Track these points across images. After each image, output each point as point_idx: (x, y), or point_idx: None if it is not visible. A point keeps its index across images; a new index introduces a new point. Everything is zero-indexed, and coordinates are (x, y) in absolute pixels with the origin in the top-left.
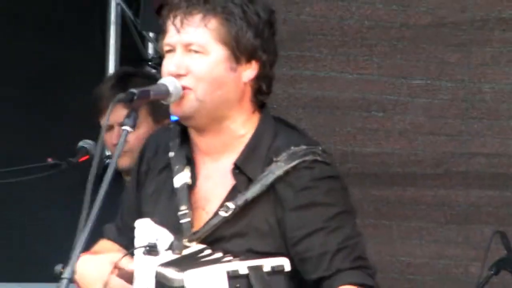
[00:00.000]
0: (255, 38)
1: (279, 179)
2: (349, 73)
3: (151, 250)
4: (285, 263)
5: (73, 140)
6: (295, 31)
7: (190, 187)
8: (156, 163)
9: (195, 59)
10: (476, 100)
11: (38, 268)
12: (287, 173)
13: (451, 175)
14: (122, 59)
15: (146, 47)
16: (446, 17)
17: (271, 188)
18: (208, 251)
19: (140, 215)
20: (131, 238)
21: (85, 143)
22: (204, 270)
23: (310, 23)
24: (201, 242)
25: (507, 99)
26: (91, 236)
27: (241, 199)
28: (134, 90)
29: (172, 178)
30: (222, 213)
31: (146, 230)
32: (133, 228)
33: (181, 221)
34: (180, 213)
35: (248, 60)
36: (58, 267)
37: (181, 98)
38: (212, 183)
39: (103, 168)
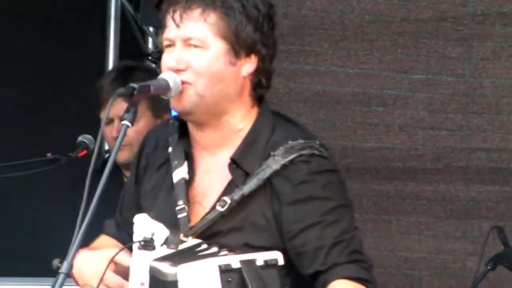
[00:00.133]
0: (255, 32)
1: (276, 173)
2: (350, 68)
3: (146, 244)
4: (278, 257)
5: (73, 138)
6: (296, 26)
7: (189, 182)
8: (155, 159)
9: (195, 53)
10: (477, 95)
11: (37, 262)
12: (284, 167)
13: (451, 170)
14: (122, 53)
15: (146, 42)
16: (447, 12)
17: (268, 182)
18: (204, 246)
19: (140, 211)
20: (130, 234)
21: (85, 138)
22: (196, 264)
23: (310, 17)
24: (198, 236)
25: (507, 93)
26: (90, 231)
27: (237, 194)
28: (134, 85)
29: (171, 173)
30: (219, 208)
31: (143, 225)
32: (132, 224)
33: (178, 216)
34: (177, 208)
35: (248, 54)
36: (56, 262)
37: (181, 93)
38: (210, 178)
39: (102, 163)
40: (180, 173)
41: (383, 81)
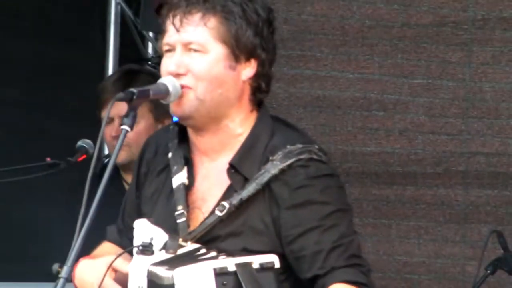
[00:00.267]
0: (255, 36)
1: (274, 178)
2: (350, 73)
3: (145, 249)
4: (275, 260)
5: (73, 138)
6: (296, 31)
7: (188, 188)
8: (156, 165)
9: (195, 58)
10: (477, 99)
11: (37, 267)
12: (282, 171)
13: (451, 174)
14: (121, 58)
15: (146, 47)
16: (447, 17)
17: (266, 187)
18: (203, 250)
19: (140, 216)
20: (132, 239)
21: (84, 142)
22: (191, 268)
23: (311, 22)
24: (197, 241)
25: (507, 98)
26: (89, 235)
27: (236, 199)
28: (133, 90)
29: (170, 178)
30: (218, 213)
31: (142, 230)
32: (133, 229)
33: (178, 221)
34: (176, 213)
35: (248, 59)
36: (55, 266)
37: (181, 97)
38: (210, 183)
39: (101, 168)
40: (179, 178)
41: (384, 85)
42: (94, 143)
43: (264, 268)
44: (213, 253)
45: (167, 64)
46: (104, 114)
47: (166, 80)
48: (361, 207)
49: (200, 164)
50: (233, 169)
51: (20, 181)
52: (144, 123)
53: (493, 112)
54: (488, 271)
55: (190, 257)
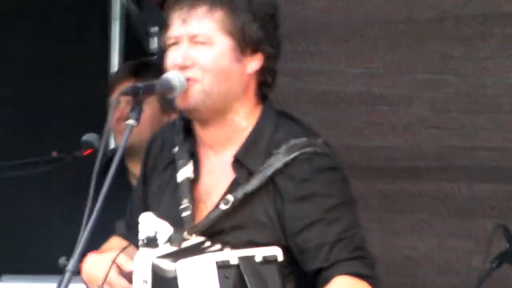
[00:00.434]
0: (260, 30)
1: (278, 171)
2: (354, 67)
3: (150, 242)
4: (278, 253)
5: (73, 138)
6: (301, 25)
7: (194, 181)
8: (162, 159)
9: (201, 50)
10: (480, 94)
11: (41, 261)
12: (286, 165)
13: (454, 169)
14: (125, 53)
15: (149, 42)
16: (448, 12)
17: (270, 180)
18: (207, 244)
19: (147, 211)
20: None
21: (89, 136)
22: (194, 260)
23: (315, 16)
24: (201, 235)
25: (508, 93)
26: (96, 229)
27: (240, 192)
28: (139, 84)
29: (176, 173)
30: (222, 206)
31: (147, 223)
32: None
33: (182, 214)
34: (181, 206)
35: (253, 52)
36: (63, 260)
37: (186, 90)
38: (215, 177)
39: (107, 161)
40: (185, 172)
41: (388, 81)
42: (100, 137)
43: (267, 261)
44: (218, 246)
45: (173, 56)
46: (113, 99)
47: (171, 74)
48: (366, 202)
49: (205, 158)
50: (238, 162)
51: (25, 176)
52: (149, 111)
53: (496, 107)
54: (494, 265)
55: (194, 250)
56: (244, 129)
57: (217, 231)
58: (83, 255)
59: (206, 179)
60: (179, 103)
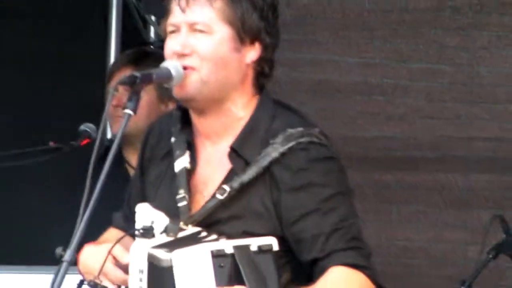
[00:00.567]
0: (260, 20)
1: (275, 161)
2: (351, 57)
3: (146, 233)
4: (273, 242)
5: (73, 130)
6: (298, 15)
7: (190, 172)
8: (159, 150)
9: (200, 39)
10: (475, 84)
11: (38, 251)
12: (283, 155)
13: (451, 159)
14: (123, 42)
15: (147, 31)
16: (445, 1)
17: (267, 170)
18: (203, 234)
19: (144, 201)
20: None
21: (87, 126)
22: (189, 250)
23: (312, 6)
24: (198, 225)
25: (505, 83)
26: (92, 220)
27: (237, 182)
28: (137, 74)
29: (173, 163)
30: (218, 196)
31: (144, 214)
32: None
33: (179, 204)
34: (178, 196)
35: (252, 42)
36: (59, 250)
37: (184, 79)
38: (212, 167)
39: (105, 150)
40: (182, 162)
41: (383, 70)
42: (97, 128)
43: (262, 250)
44: (214, 236)
45: (172, 44)
46: (112, 86)
47: (169, 64)
48: (362, 192)
49: (202, 148)
50: (234, 152)
51: (23, 166)
52: (146, 99)
53: (491, 96)
54: (490, 256)
55: (190, 240)
56: (241, 119)
57: (214, 221)
58: (80, 245)
59: (203, 169)
60: (176, 92)
